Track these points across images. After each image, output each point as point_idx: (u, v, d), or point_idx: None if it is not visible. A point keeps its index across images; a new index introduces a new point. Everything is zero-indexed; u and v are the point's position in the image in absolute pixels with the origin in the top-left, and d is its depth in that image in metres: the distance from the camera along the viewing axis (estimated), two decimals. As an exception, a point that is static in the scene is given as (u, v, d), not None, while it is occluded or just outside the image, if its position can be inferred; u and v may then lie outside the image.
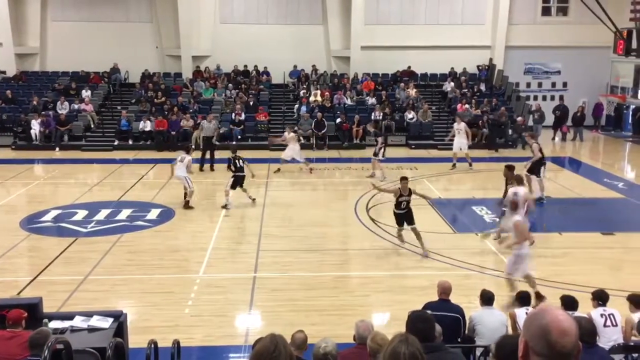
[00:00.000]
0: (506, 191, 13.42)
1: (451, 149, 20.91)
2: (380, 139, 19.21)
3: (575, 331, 2.17)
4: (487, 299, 7.54)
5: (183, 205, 15.55)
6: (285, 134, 19.96)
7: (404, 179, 12.28)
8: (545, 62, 30.31)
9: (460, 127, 20.39)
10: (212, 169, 20.17)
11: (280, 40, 28.75)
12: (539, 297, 9.54)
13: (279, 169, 19.72)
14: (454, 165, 20.41)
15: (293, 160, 19.70)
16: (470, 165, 20.31)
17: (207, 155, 20.32)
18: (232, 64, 28.82)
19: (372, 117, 25.02)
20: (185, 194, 15.66)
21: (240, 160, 15.82)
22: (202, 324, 9.25)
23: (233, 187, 15.63)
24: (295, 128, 21.97)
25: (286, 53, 28.60)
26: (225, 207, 15.54)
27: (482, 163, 21.61)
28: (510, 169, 13.92)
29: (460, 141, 20.30)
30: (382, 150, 18.93)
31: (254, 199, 16.00)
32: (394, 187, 12.88)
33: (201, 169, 19.93)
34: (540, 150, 16.38)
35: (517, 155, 21.41)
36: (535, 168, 16.44)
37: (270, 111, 26.24)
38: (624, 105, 28.93)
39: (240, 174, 15.71)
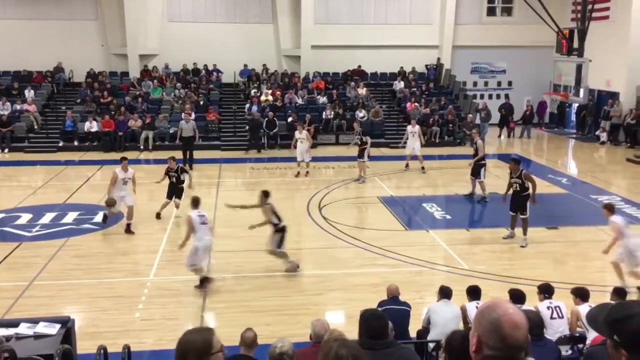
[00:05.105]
0: (509, 185, 13.20)
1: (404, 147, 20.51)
2: (368, 139, 18.68)
3: (526, 324, 2.22)
4: (445, 293, 7.82)
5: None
6: (297, 133, 19.68)
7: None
8: (491, 62, 30.99)
9: (414, 130, 19.87)
10: (191, 167, 19.29)
11: (230, 39, 28.53)
12: None
13: (298, 173, 19.42)
14: (407, 166, 20.28)
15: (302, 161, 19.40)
16: (423, 169, 19.95)
17: (186, 155, 20.29)
18: (181, 63, 28.41)
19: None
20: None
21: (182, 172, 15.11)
22: (153, 327, 9.09)
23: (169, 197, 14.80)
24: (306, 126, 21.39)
25: (236, 52, 28.37)
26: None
27: (432, 161, 21.94)
28: (516, 162, 13.43)
29: (415, 144, 19.78)
30: (367, 151, 18.53)
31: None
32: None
33: None
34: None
35: (463, 153, 21.75)
36: (477, 169, 16.58)
37: (220, 111, 26.01)
38: (566, 103, 29.81)
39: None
